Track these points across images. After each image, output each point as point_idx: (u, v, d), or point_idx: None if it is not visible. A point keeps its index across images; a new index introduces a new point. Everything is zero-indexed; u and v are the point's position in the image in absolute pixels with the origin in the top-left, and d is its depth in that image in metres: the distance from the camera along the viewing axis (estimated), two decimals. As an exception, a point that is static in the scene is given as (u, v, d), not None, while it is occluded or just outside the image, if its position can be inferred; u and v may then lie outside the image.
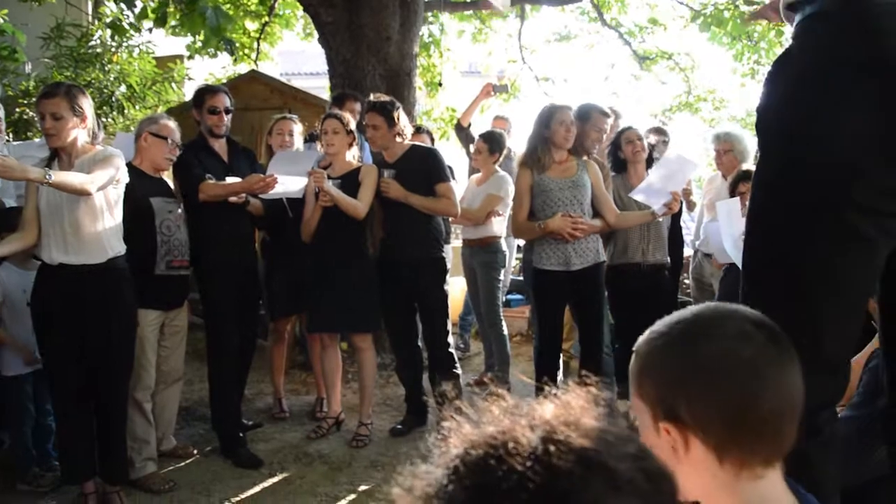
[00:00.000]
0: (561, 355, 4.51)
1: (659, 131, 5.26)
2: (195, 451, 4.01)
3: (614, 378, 4.28)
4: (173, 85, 7.94)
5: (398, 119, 4.16)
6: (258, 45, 8.15)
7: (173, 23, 6.17)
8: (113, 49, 7.79)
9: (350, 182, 4.07)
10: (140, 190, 3.50)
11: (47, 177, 2.86)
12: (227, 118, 4.11)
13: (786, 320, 1.08)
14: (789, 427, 1.01)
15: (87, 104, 3.21)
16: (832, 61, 1.43)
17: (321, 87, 6.27)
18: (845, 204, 1.40)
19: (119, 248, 3.28)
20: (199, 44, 7.02)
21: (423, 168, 4.16)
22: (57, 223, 3.12)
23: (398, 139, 4.19)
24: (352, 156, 4.22)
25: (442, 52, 8.40)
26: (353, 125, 4.22)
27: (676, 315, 1.08)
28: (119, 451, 3.41)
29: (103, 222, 3.19)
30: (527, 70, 9.10)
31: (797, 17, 1.51)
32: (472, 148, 5.86)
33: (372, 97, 4.30)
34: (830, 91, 1.42)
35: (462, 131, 6.05)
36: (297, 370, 5.42)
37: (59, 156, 3.19)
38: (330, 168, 4.20)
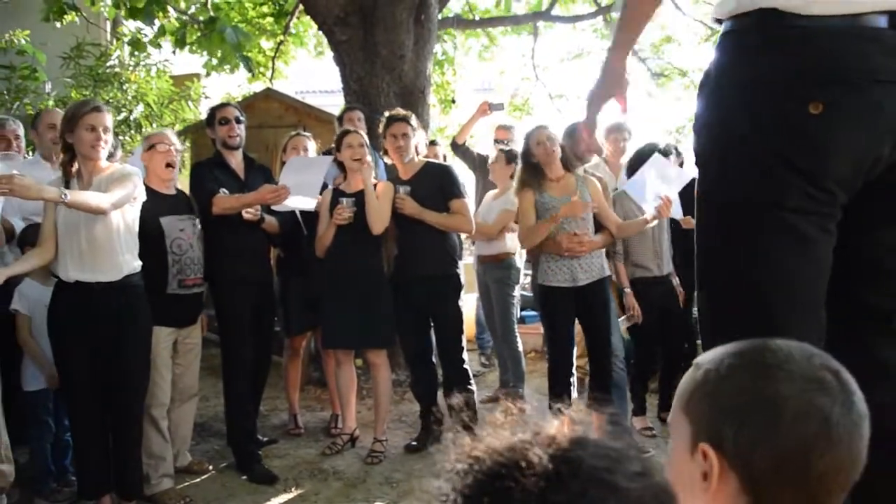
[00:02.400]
0: (575, 371, 4.50)
1: (675, 150, 5.25)
2: (210, 467, 4.02)
3: (628, 393, 4.28)
4: (190, 103, 8.03)
5: (416, 134, 4.22)
6: (273, 63, 8.23)
7: (192, 41, 6.24)
8: (131, 68, 7.90)
9: (364, 200, 4.08)
10: (151, 209, 3.51)
11: (63, 196, 2.90)
12: (238, 128, 4.15)
13: (742, 332, 1.05)
14: (840, 493, 0.94)
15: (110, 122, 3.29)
16: (737, 78, 1.51)
17: (335, 105, 6.31)
18: (777, 207, 1.44)
19: (134, 265, 3.31)
20: (215, 61, 7.10)
21: (438, 184, 4.18)
22: (74, 240, 3.16)
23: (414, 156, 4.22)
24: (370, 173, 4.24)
25: (455, 70, 8.45)
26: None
27: (751, 342, 1.01)
28: (134, 466, 3.44)
29: (119, 240, 3.23)
30: (540, 87, 9.14)
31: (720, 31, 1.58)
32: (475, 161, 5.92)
33: (388, 112, 4.34)
34: (739, 108, 1.49)
35: (458, 149, 6.07)
36: (313, 386, 5.44)
37: (78, 173, 3.23)
38: (344, 184, 4.24)
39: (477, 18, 8.69)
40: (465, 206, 4.23)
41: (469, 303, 5.56)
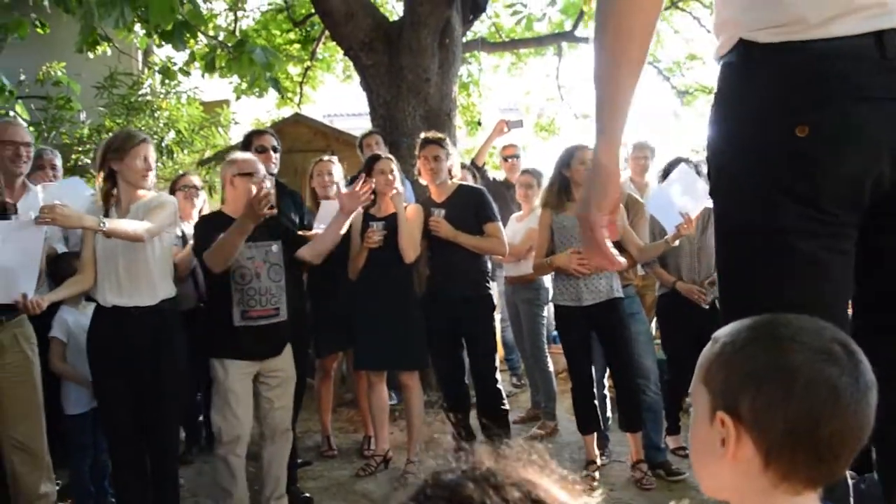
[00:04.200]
0: (606, 391, 4.49)
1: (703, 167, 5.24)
2: None
3: (663, 414, 4.25)
4: (220, 129, 8.16)
5: (450, 157, 4.25)
6: (301, 88, 8.35)
7: (221, 65, 6.36)
8: (162, 95, 8.06)
9: (396, 223, 4.13)
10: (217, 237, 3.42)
11: (102, 225, 2.98)
12: (274, 157, 4.24)
13: None
14: (847, 456, 1.01)
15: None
16: (730, 110, 1.53)
17: (363, 128, 6.38)
18: (781, 232, 1.45)
19: (170, 290, 3.37)
20: (245, 86, 7.22)
21: (472, 207, 4.20)
22: (112, 266, 3.22)
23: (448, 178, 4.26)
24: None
25: (481, 92, 8.51)
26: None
27: (767, 316, 1.08)
28: (171, 490, 3.47)
29: (155, 266, 3.29)
30: (565, 107, 9.16)
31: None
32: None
33: (423, 134, 4.37)
34: (734, 138, 1.51)
35: (477, 170, 6.10)
36: (345, 408, 5.47)
37: (117, 200, 3.30)
38: (375, 208, 4.28)
39: (503, 40, 8.76)
40: (498, 229, 4.25)
41: (497, 324, 5.55)
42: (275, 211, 3.32)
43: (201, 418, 4.55)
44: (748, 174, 1.48)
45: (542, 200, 4.25)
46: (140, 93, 7.67)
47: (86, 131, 7.63)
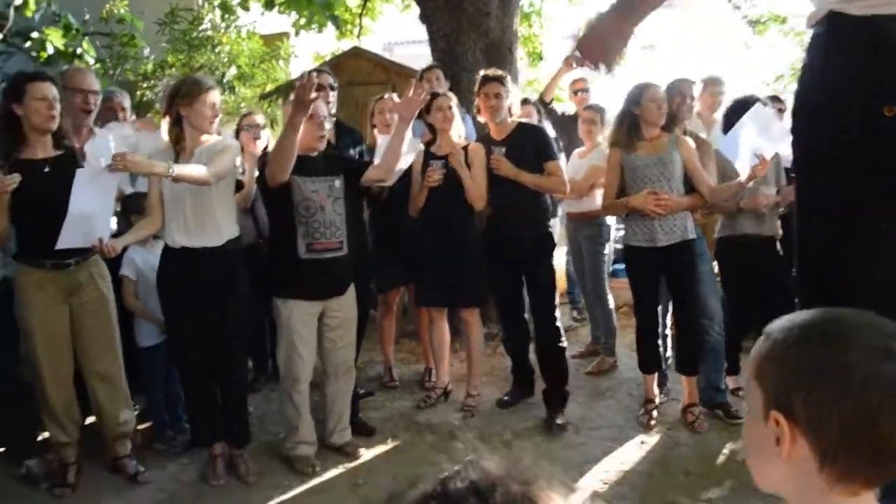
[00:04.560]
0: (669, 331, 4.47)
1: (775, 99, 5.06)
2: (362, 451, 3.85)
3: (723, 355, 4.23)
4: (280, 63, 8.18)
5: (510, 94, 4.19)
6: (360, 20, 8.28)
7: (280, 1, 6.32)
8: (222, 30, 8.08)
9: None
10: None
11: (171, 171, 3.06)
12: (332, 95, 4.24)
13: None
14: None
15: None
16: (818, 81, 1.52)
17: (423, 55, 6.29)
18: (864, 206, 1.43)
19: (234, 231, 3.46)
20: (304, 21, 7.19)
21: (532, 145, 4.15)
22: (179, 209, 3.32)
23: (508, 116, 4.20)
24: (457, 135, 4.28)
25: (543, 23, 8.30)
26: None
27: (820, 311, 1.04)
28: (240, 418, 3.64)
29: (220, 208, 3.38)
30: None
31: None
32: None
33: (483, 71, 4.30)
34: (821, 108, 1.49)
35: (544, 107, 6.00)
36: (407, 339, 5.56)
37: (181, 145, 3.37)
38: (435, 146, 4.28)
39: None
40: (559, 167, 4.20)
41: (560, 257, 5.54)
42: (325, 93, 3.36)
43: (268, 347, 4.67)
44: (832, 149, 1.46)
45: (609, 139, 4.17)
46: (200, 28, 7.70)
47: (150, 67, 7.72)
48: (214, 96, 3.34)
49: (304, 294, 3.53)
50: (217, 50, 7.53)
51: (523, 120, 4.44)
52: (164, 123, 3.42)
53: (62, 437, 3.47)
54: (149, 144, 3.74)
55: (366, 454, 3.84)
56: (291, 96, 3.61)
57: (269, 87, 7.72)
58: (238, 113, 7.64)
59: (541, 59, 8.21)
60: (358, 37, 8.34)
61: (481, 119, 4.40)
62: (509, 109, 4.22)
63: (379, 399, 4.59)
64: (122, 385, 3.55)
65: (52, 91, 3.25)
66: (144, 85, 7.23)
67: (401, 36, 15.45)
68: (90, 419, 3.71)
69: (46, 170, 3.23)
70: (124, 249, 3.51)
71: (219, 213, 3.37)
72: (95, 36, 7.01)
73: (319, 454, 3.76)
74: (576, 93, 5.96)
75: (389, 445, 3.96)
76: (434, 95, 4.30)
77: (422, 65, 5.52)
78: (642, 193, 3.89)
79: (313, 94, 3.13)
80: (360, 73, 7.13)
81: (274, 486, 3.54)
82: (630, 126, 4.01)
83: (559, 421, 4.10)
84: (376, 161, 3.85)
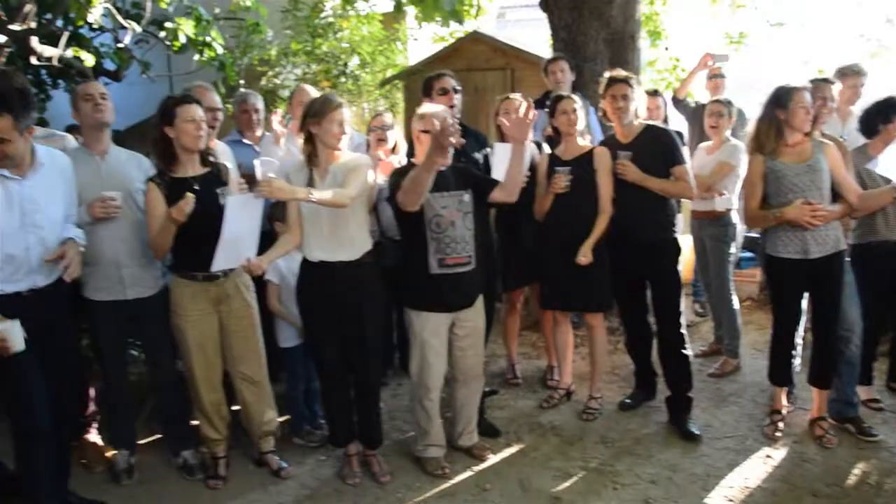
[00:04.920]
0: (802, 340, 4.35)
1: None
2: (490, 454, 3.99)
3: (859, 367, 4.11)
4: (398, 44, 8.26)
5: (636, 95, 4.14)
6: (478, 4, 8.24)
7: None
8: (341, 14, 8.22)
9: (582, 167, 4.12)
10: None
11: (311, 196, 3.22)
12: (456, 98, 4.29)
13: None
14: None
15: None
16: None
17: (538, 20, 6.15)
18: None
19: (368, 244, 3.58)
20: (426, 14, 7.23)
21: (659, 149, 4.10)
22: (317, 226, 3.47)
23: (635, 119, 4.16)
24: (582, 137, 4.26)
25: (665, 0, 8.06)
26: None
27: None
28: (374, 421, 3.80)
29: (355, 224, 3.50)
30: (758, 16, 8.41)
31: None
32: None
33: (609, 73, 4.24)
34: None
35: (678, 104, 5.85)
36: (528, 332, 5.61)
37: (314, 161, 3.50)
38: (559, 149, 4.28)
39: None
40: (686, 171, 4.13)
41: (687, 244, 5.37)
42: (463, 141, 3.32)
43: (394, 339, 4.79)
44: None
45: (750, 145, 3.96)
46: (322, 15, 7.86)
47: (273, 52, 7.95)
48: (342, 114, 3.43)
49: (435, 307, 3.64)
50: (338, 35, 7.68)
51: (649, 122, 4.37)
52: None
53: (213, 433, 3.74)
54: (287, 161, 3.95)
55: (492, 457, 3.95)
56: (417, 115, 3.68)
57: (390, 72, 7.86)
58: (360, 98, 7.83)
59: (661, 38, 7.99)
60: (476, 16, 8.31)
61: (607, 122, 4.36)
62: (636, 111, 4.17)
63: (503, 397, 4.68)
64: (266, 386, 3.79)
65: (198, 112, 3.44)
66: (270, 73, 7.47)
67: (514, 0, 15.31)
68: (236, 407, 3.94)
69: (196, 187, 3.43)
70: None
71: (353, 228, 3.50)
72: (224, 25, 7.26)
73: (448, 456, 3.90)
74: (711, 78, 5.82)
75: (515, 448, 4.06)
76: (558, 98, 4.30)
77: (534, 31, 5.47)
78: (796, 204, 3.70)
79: (452, 140, 3.16)
80: (479, 57, 7.16)
81: (406, 486, 3.71)
82: (773, 131, 3.83)
83: (694, 430, 4.10)
84: (495, 172, 3.90)
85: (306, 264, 3.57)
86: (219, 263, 3.30)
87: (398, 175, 3.58)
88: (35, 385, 3.05)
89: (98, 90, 3.52)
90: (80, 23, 6.86)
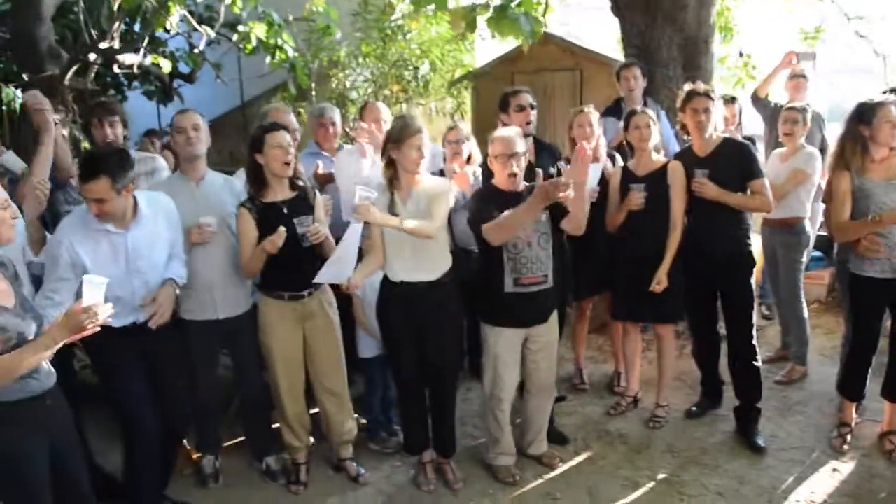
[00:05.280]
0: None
1: None
2: (559, 462, 4.13)
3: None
4: (465, 44, 8.35)
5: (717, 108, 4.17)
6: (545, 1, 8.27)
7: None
8: (410, 15, 8.33)
9: (656, 183, 4.18)
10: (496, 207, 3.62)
11: (402, 224, 3.42)
12: (532, 114, 4.41)
13: None
14: None
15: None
16: None
17: (601, 7, 6.13)
18: None
19: (448, 264, 3.75)
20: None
21: (736, 163, 4.11)
22: (399, 248, 3.64)
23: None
24: (655, 151, 4.32)
25: (737, -4, 7.96)
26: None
27: None
28: (448, 431, 3.97)
29: (436, 246, 3.67)
30: (835, 10, 8.20)
31: None
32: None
33: (689, 86, 4.27)
34: None
35: (758, 102, 5.83)
36: (594, 335, 5.69)
37: (395, 184, 3.67)
38: (632, 163, 4.35)
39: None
40: (764, 185, 4.13)
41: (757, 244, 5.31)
42: (572, 194, 3.36)
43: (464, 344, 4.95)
44: None
45: (834, 162, 3.96)
46: (392, 18, 8.00)
47: (342, 53, 8.13)
48: (420, 140, 3.58)
49: (510, 323, 3.79)
50: (408, 37, 7.82)
51: (727, 135, 4.39)
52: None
53: (295, 441, 3.96)
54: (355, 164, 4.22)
55: (561, 465, 4.10)
56: (493, 138, 3.80)
57: (458, 73, 7.98)
58: (428, 99, 7.97)
59: (732, 34, 7.90)
60: (543, 14, 8.34)
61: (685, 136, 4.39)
62: (715, 124, 4.19)
63: (570, 404, 4.81)
64: (346, 398, 4.00)
65: (286, 139, 3.63)
66: (341, 75, 7.66)
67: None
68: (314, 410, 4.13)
69: (285, 211, 3.64)
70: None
71: (435, 250, 3.67)
72: (297, 31, 7.47)
73: (518, 463, 4.06)
74: (792, 77, 5.78)
75: (583, 456, 4.20)
76: (632, 113, 4.36)
77: (596, 16, 5.47)
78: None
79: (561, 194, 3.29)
80: (548, 59, 7.23)
81: (479, 493, 3.89)
82: (857, 146, 3.84)
83: (760, 443, 4.17)
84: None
85: (387, 283, 3.75)
86: (322, 277, 3.58)
87: (480, 200, 3.71)
88: (144, 390, 3.37)
89: (191, 122, 3.72)
90: (158, 28, 7.19)
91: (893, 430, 4.05)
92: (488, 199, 3.67)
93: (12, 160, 3.73)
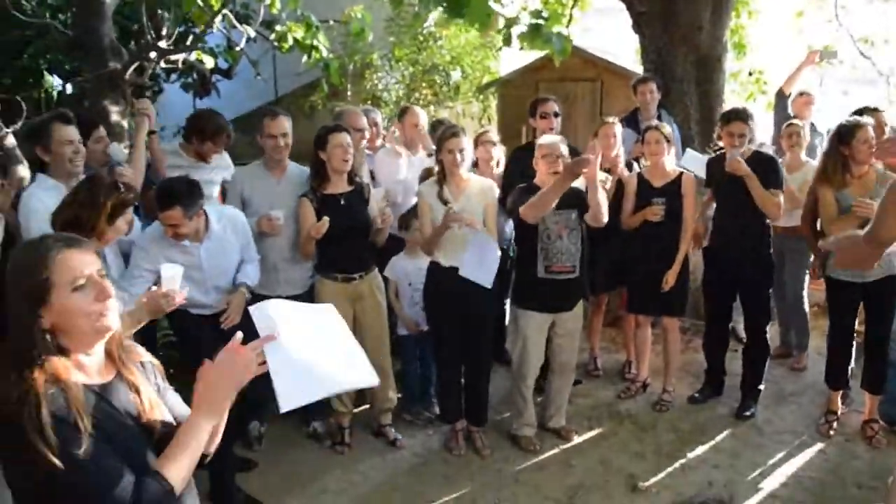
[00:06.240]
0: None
1: None
2: (575, 434, 4.61)
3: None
4: (493, 52, 8.80)
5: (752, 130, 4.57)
6: (570, 13, 8.72)
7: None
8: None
9: (672, 194, 4.65)
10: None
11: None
12: (556, 121, 4.89)
13: None
14: None
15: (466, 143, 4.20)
16: None
17: (620, 9, 6.48)
18: None
19: None
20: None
21: (762, 170, 4.46)
22: (453, 239, 4.12)
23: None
24: (671, 162, 4.76)
25: (751, 12, 8.35)
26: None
27: None
28: (483, 402, 4.45)
29: None
30: (843, 32, 8.55)
31: None
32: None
33: (727, 107, 4.73)
34: None
35: (781, 99, 6.16)
36: (608, 328, 6.12)
37: (445, 180, 4.16)
38: (649, 173, 4.80)
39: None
40: (779, 195, 4.51)
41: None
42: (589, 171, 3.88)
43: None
44: None
45: (818, 177, 4.36)
46: (425, 24, 8.45)
47: (375, 55, 8.59)
48: (456, 142, 4.08)
49: (539, 307, 4.27)
50: (439, 44, 8.27)
51: (756, 148, 4.71)
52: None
53: (341, 407, 4.45)
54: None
55: (577, 438, 4.59)
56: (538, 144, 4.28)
57: (486, 79, 8.42)
58: (456, 103, 8.43)
59: (745, 51, 8.31)
60: (567, 25, 8.79)
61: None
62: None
63: (585, 387, 5.29)
64: (390, 372, 4.48)
65: (346, 139, 4.11)
66: (374, 77, 8.11)
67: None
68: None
69: (342, 202, 4.13)
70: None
71: None
72: (334, 35, 7.93)
73: (539, 435, 4.55)
74: (800, 95, 6.09)
75: (596, 432, 4.69)
76: (648, 129, 4.82)
77: (615, 19, 5.77)
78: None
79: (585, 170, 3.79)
80: (571, 69, 7.63)
81: (503, 459, 4.38)
82: (839, 165, 4.20)
83: (754, 412, 4.72)
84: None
85: (437, 268, 4.22)
86: (465, 272, 4.10)
87: (521, 192, 4.15)
88: None
89: (281, 131, 4.20)
90: (200, 26, 7.65)
91: (874, 419, 4.50)
92: (528, 193, 4.10)
93: (115, 150, 4.22)
